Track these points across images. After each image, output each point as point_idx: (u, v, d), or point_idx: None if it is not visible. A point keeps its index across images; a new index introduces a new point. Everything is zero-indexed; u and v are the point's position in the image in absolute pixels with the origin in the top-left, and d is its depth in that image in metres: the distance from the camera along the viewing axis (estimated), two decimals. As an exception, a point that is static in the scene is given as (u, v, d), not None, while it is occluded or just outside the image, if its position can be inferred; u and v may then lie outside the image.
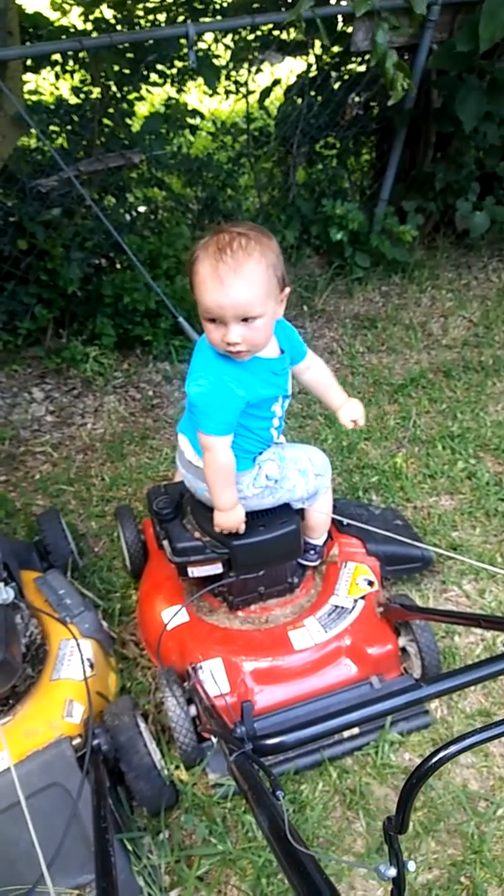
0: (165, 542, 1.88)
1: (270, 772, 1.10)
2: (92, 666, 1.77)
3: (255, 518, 1.83)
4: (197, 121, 4.02)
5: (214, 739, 1.75)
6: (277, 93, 4.10)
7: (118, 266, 3.57)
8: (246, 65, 3.97)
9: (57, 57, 3.57)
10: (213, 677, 1.81)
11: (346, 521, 2.19)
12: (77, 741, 1.59)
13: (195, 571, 1.87)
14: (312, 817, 1.71)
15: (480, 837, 1.67)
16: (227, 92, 4.14)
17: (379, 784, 1.78)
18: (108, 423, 3.14)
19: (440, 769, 1.75)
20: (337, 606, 1.99)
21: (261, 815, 1.01)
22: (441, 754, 0.87)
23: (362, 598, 2.00)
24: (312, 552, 2.10)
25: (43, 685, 1.69)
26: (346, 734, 1.84)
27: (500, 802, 1.74)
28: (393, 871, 0.87)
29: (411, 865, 0.88)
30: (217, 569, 1.87)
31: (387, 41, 1.97)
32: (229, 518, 1.73)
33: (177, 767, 1.80)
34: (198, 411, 1.57)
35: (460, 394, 3.26)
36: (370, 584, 2.04)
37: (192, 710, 1.77)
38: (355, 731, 1.85)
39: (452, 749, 0.87)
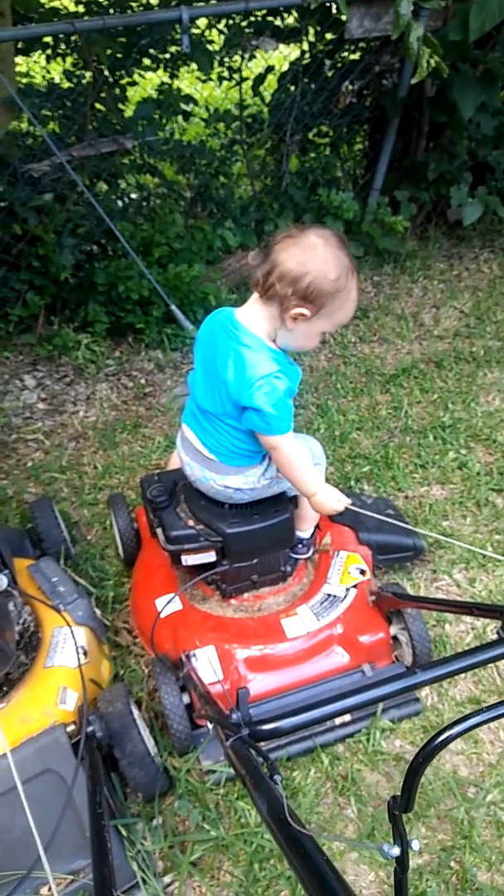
0: (159, 530, 1.88)
1: (267, 756, 1.11)
2: (85, 653, 1.77)
3: (249, 507, 1.84)
4: (190, 107, 3.98)
5: (210, 726, 1.76)
6: (271, 79, 4.07)
7: (110, 253, 3.55)
8: (240, 51, 3.94)
9: (48, 40, 3.53)
10: (208, 664, 1.81)
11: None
12: (71, 728, 1.59)
13: (189, 559, 1.87)
14: (305, 803, 1.73)
15: (470, 823, 1.69)
16: (221, 78, 4.10)
17: (370, 770, 1.80)
18: (100, 410, 3.12)
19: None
20: (329, 595, 2.00)
21: (259, 798, 1.02)
22: (447, 734, 0.88)
23: (354, 586, 2.01)
24: (301, 545, 2.10)
25: (37, 672, 1.69)
26: (337, 721, 1.86)
27: (489, 788, 1.77)
28: (396, 850, 0.87)
29: (415, 844, 0.89)
30: (210, 557, 1.87)
31: (410, 12, 1.84)
32: (327, 497, 1.68)
33: (170, 754, 1.81)
34: (271, 418, 1.54)
35: (452, 384, 3.27)
36: (362, 572, 2.05)
37: (186, 698, 1.78)
38: (347, 718, 1.86)
39: (458, 728, 0.88)
